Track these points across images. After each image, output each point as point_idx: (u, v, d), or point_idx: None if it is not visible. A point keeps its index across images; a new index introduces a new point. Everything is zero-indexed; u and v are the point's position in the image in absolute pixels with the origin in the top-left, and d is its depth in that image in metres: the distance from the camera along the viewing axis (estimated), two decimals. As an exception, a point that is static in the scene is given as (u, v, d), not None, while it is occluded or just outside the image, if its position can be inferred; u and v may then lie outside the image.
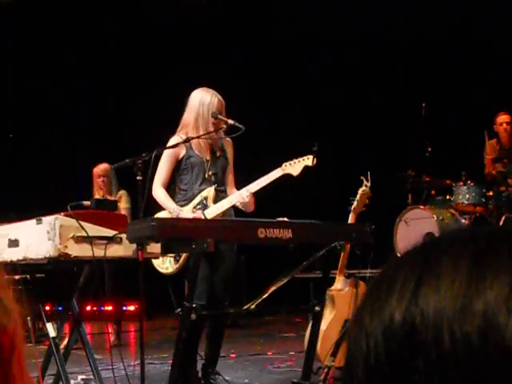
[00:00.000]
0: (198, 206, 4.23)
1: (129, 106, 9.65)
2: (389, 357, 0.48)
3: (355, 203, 4.62)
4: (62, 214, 3.56)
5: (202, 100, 4.27)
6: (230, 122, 4.23)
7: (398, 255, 0.54)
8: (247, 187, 4.22)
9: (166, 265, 4.27)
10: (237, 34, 9.41)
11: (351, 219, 4.66)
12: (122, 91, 9.70)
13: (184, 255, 4.19)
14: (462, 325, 0.46)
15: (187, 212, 4.18)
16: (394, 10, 8.41)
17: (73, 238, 3.51)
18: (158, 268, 4.30)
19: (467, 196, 6.95)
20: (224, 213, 4.23)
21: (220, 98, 4.32)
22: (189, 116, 4.31)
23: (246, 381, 4.76)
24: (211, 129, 4.26)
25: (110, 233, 3.67)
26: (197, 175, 4.29)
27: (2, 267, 0.75)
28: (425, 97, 7.53)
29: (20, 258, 3.75)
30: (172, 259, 4.24)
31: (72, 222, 3.54)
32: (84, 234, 3.54)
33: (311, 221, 4.11)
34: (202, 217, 4.13)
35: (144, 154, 3.96)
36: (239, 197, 4.18)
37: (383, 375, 0.48)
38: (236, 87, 7.94)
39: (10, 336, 0.59)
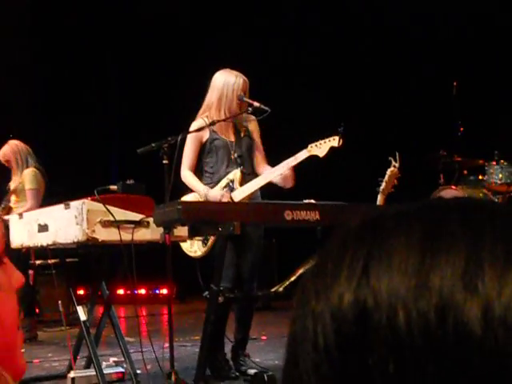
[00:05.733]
0: (225, 189, 4.22)
1: (156, 91, 9.69)
2: (340, 341, 0.44)
3: (383, 184, 4.56)
4: (89, 198, 3.60)
5: (226, 80, 4.24)
6: (256, 104, 4.19)
7: (343, 231, 0.49)
8: (274, 168, 4.20)
9: (194, 248, 4.29)
10: (259, 12, 9.34)
11: (380, 201, 4.60)
12: (149, 78, 9.74)
13: (212, 238, 4.19)
14: (417, 303, 0.43)
15: (216, 191, 4.16)
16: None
17: (100, 222, 3.54)
18: (186, 252, 4.32)
19: (500, 175, 6.83)
20: (251, 194, 4.21)
21: (244, 78, 4.28)
22: (211, 97, 4.27)
23: (277, 362, 4.77)
24: (235, 109, 4.23)
25: (136, 217, 3.69)
26: (222, 158, 4.26)
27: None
28: (456, 74, 7.40)
29: (50, 242, 3.81)
30: (200, 242, 4.25)
31: (99, 206, 3.57)
32: (111, 218, 3.57)
33: (339, 202, 4.08)
34: (230, 197, 4.11)
35: (170, 138, 3.96)
36: (273, 174, 4.14)
37: (334, 361, 0.44)
38: (259, 67, 7.91)
39: None
